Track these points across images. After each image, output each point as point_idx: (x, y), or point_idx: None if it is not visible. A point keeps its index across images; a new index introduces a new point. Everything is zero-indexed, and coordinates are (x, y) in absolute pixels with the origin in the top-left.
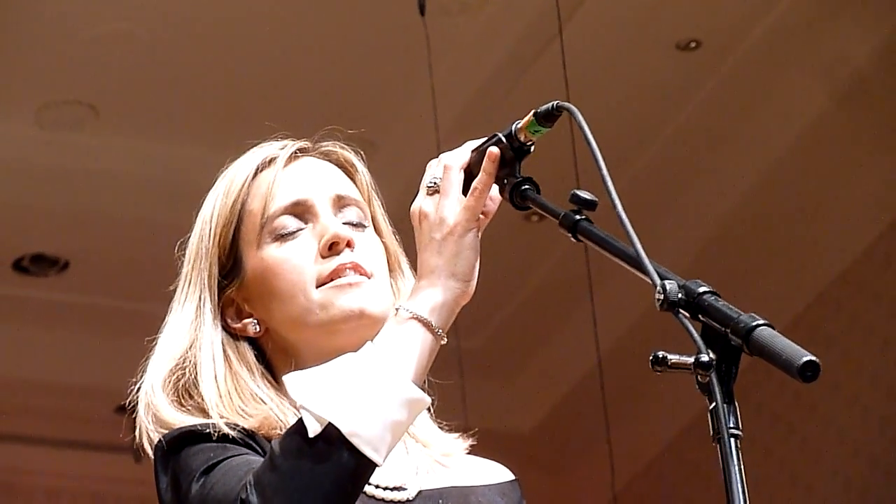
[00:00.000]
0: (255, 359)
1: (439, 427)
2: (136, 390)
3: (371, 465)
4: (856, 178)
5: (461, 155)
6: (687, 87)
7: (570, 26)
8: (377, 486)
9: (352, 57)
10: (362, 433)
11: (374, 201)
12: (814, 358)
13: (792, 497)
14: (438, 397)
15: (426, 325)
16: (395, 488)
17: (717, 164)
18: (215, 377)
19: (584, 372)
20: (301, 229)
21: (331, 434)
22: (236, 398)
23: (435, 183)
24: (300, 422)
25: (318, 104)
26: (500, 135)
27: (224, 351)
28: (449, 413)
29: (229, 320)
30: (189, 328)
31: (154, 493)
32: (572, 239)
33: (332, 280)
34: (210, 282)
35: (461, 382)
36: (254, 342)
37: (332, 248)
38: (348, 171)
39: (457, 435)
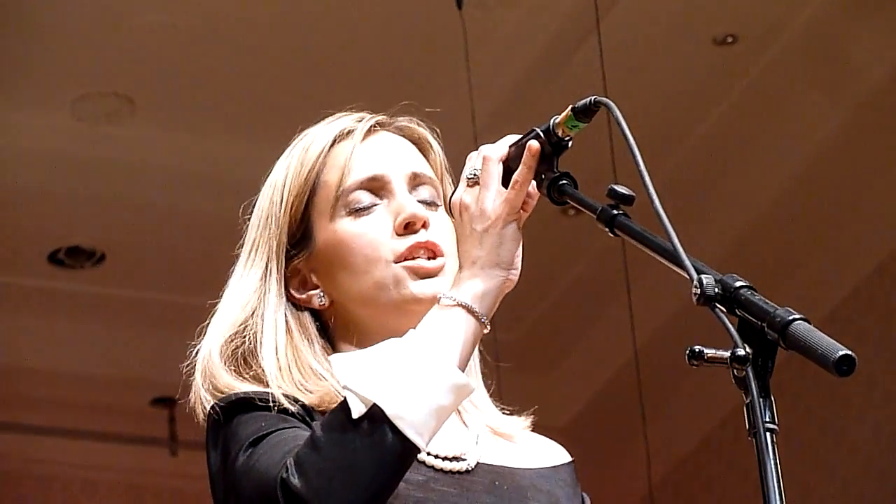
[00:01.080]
0: (317, 332)
1: (500, 410)
2: (193, 353)
3: (414, 450)
4: (893, 172)
5: (500, 148)
6: (724, 81)
7: (607, 20)
8: (436, 456)
9: (389, 50)
10: (407, 416)
11: (446, 180)
12: (849, 352)
13: (827, 491)
14: None
15: (470, 311)
16: (453, 458)
17: (752, 159)
18: (276, 348)
19: (621, 366)
20: (376, 205)
21: (375, 415)
22: (296, 371)
23: (475, 174)
24: (344, 402)
25: (354, 97)
26: (538, 129)
27: (287, 322)
28: None
29: (293, 291)
30: (253, 295)
31: (190, 486)
32: (609, 233)
33: (407, 259)
34: (279, 250)
35: (497, 375)
36: (316, 315)
37: (408, 227)
38: (423, 147)
39: (517, 417)
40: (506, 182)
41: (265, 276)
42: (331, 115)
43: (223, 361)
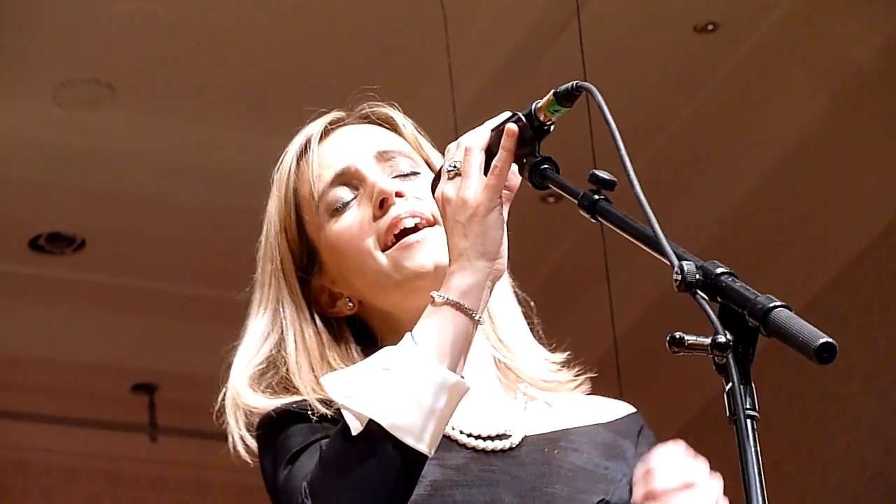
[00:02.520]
0: (352, 337)
1: (552, 364)
2: (220, 398)
3: (419, 456)
4: (873, 161)
5: (480, 135)
6: (704, 69)
7: (587, 6)
8: (477, 437)
9: (369, 36)
10: (402, 424)
11: (425, 146)
12: (830, 340)
13: (808, 479)
14: None
15: (459, 308)
16: (497, 437)
17: (734, 146)
18: (311, 366)
19: (601, 353)
20: (354, 197)
21: (372, 430)
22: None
23: (455, 167)
24: (343, 421)
25: (334, 84)
26: (520, 114)
27: (318, 340)
28: None
29: (325, 307)
30: (272, 328)
31: (169, 472)
32: (591, 219)
33: (395, 237)
34: (288, 279)
35: None
36: (354, 319)
37: (383, 205)
38: (392, 125)
39: (565, 368)
40: (489, 168)
41: (279, 310)
42: (309, 115)
43: (255, 391)
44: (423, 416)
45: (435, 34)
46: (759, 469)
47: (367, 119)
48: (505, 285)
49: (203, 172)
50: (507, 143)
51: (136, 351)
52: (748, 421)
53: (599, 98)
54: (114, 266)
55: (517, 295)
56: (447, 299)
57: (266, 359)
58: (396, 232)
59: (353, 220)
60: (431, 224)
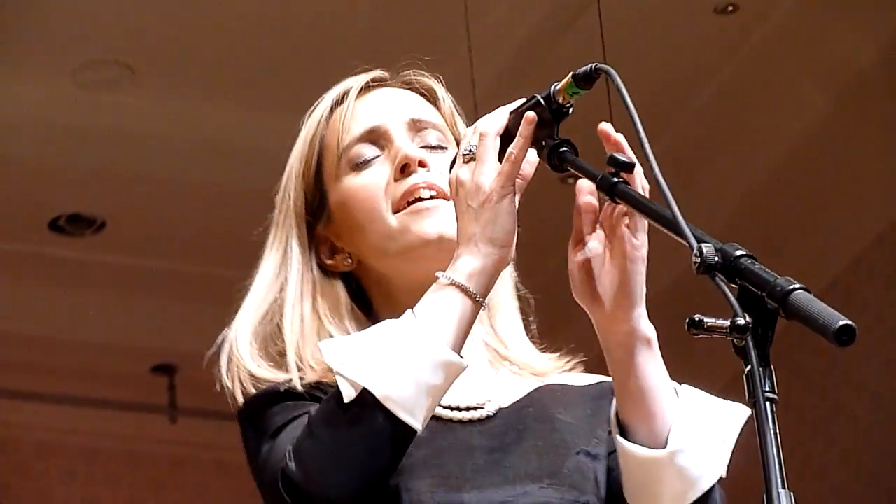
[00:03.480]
0: (346, 295)
1: (540, 350)
2: (220, 342)
3: (408, 430)
4: (894, 141)
5: (497, 120)
6: (724, 50)
7: None
8: (453, 409)
9: (389, 18)
10: (396, 397)
11: (459, 125)
12: (850, 322)
13: (826, 461)
14: None
15: (464, 290)
16: (472, 407)
17: (753, 127)
18: (301, 318)
19: None
20: (377, 156)
21: (365, 399)
22: (311, 343)
23: (471, 151)
24: (336, 388)
25: (354, 66)
26: (539, 96)
27: (313, 289)
28: None
29: (323, 257)
30: (279, 272)
31: (189, 454)
32: (610, 201)
33: (407, 203)
34: (297, 221)
35: None
36: (349, 277)
37: (405, 171)
38: (432, 97)
39: (557, 356)
40: (503, 150)
41: (287, 251)
42: (341, 79)
43: (251, 344)
44: (417, 390)
45: (455, 15)
46: (778, 451)
47: (408, 85)
48: (507, 278)
49: (223, 154)
50: (524, 129)
51: (155, 332)
52: (767, 403)
53: (618, 80)
54: (134, 247)
55: (518, 290)
56: (453, 280)
57: (272, 301)
58: (411, 199)
59: (372, 178)
60: (447, 199)
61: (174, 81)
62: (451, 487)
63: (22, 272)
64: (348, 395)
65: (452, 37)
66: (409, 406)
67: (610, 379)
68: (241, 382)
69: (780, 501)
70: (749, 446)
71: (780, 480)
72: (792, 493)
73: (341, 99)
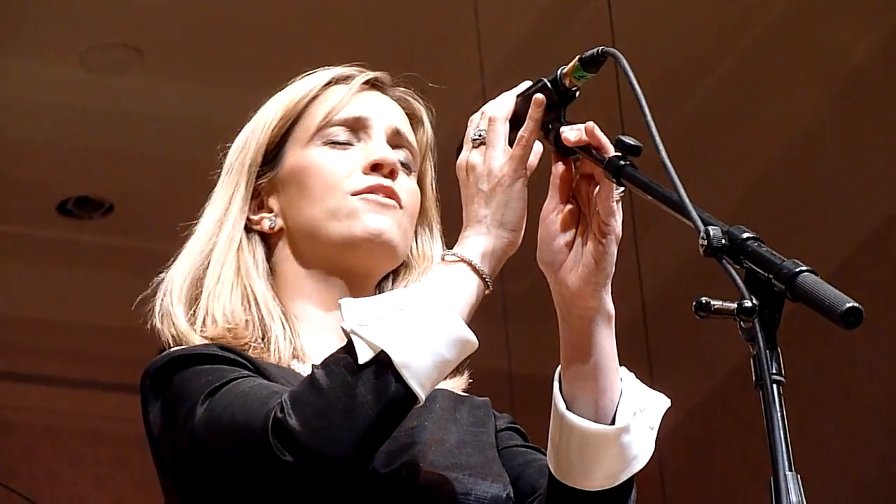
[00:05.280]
0: (263, 256)
1: None
2: (157, 283)
3: (414, 401)
4: None
5: (505, 103)
6: (732, 34)
7: None
8: None
9: (398, 3)
10: (413, 366)
11: (428, 161)
12: (856, 304)
13: (834, 444)
14: (482, 342)
15: (474, 268)
16: None
17: (761, 111)
18: (221, 267)
19: (628, 318)
20: (352, 144)
21: (382, 362)
22: (223, 296)
23: (480, 136)
24: (349, 347)
25: (362, 48)
26: (546, 80)
27: (239, 239)
28: (493, 358)
29: (249, 212)
30: (221, 212)
31: None
32: (616, 184)
33: (364, 194)
34: (250, 170)
35: (505, 327)
36: (265, 239)
37: (375, 169)
38: (414, 122)
39: (458, 378)
40: (513, 136)
41: (233, 196)
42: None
43: (181, 292)
44: (433, 363)
45: (463, 0)
46: (785, 433)
47: (400, 102)
48: None
49: (231, 137)
50: (534, 112)
51: None
52: (774, 386)
53: (625, 64)
54: (141, 230)
55: None
56: (463, 258)
57: (208, 242)
58: (369, 192)
59: (342, 159)
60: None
61: (182, 64)
62: (395, 464)
63: (30, 255)
64: (365, 355)
65: (461, 21)
66: (422, 377)
67: (487, 398)
68: (169, 335)
69: (787, 483)
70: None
71: (787, 463)
72: (799, 476)
73: (339, 80)
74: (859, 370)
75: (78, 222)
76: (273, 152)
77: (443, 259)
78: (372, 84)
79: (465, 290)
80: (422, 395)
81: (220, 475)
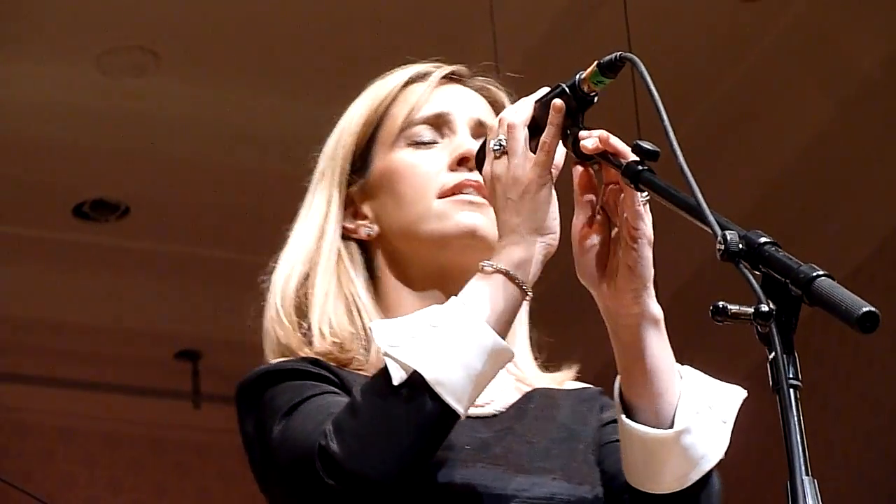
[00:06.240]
0: (363, 264)
1: (544, 368)
2: (266, 277)
3: (453, 416)
4: None
5: (523, 111)
6: (749, 38)
7: None
8: None
9: (413, 5)
10: (447, 382)
11: None
12: (873, 309)
13: (851, 447)
14: None
15: (511, 278)
16: (478, 405)
17: (775, 115)
18: (329, 282)
19: None
20: (436, 142)
21: (415, 382)
22: (330, 310)
23: (501, 145)
24: (384, 369)
25: (377, 51)
26: (564, 85)
27: (338, 249)
28: None
29: (345, 221)
30: (318, 220)
31: (212, 440)
32: (634, 189)
33: (453, 194)
34: (342, 177)
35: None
36: (363, 247)
37: (462, 163)
38: (498, 110)
39: (551, 374)
40: (532, 140)
41: (329, 204)
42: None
43: (284, 299)
44: (467, 377)
45: (479, 3)
46: (801, 437)
47: (481, 92)
48: None
49: (247, 139)
50: (554, 118)
51: (179, 318)
52: (791, 390)
53: (643, 69)
54: (158, 233)
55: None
56: (498, 268)
57: (308, 251)
58: (459, 192)
59: (427, 160)
60: (489, 205)
61: (198, 67)
62: (463, 468)
63: (46, 258)
64: (398, 377)
65: (477, 24)
66: (458, 392)
67: (593, 386)
68: (275, 345)
69: (803, 488)
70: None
71: (803, 467)
72: (815, 480)
73: (419, 78)
74: (876, 373)
75: (94, 225)
76: (361, 158)
77: (481, 270)
78: (450, 78)
79: (500, 300)
80: (460, 409)
81: (285, 493)
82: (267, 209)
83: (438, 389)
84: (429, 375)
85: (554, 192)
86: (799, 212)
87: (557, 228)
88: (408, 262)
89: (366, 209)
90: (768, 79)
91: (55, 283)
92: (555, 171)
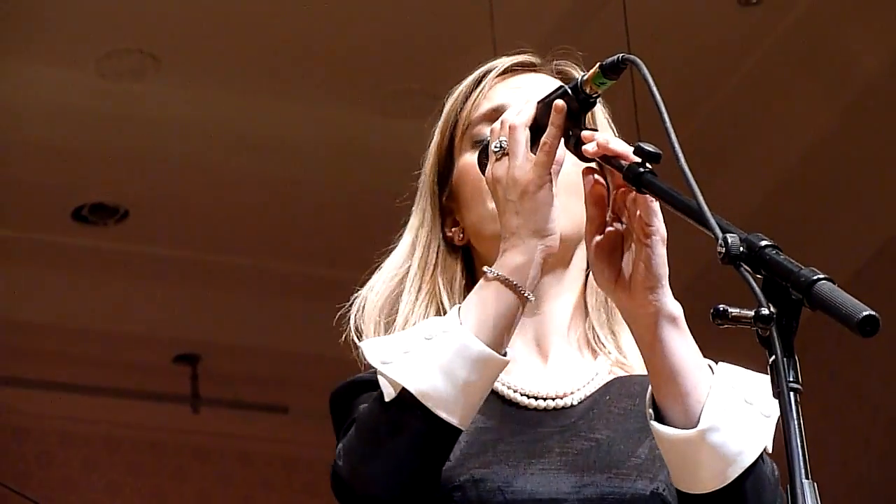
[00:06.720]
0: (461, 270)
1: None
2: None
3: (448, 428)
4: None
5: (524, 112)
6: (749, 41)
7: None
8: (533, 397)
9: (413, 9)
10: (434, 394)
11: (599, 119)
12: (873, 313)
13: (850, 452)
14: None
15: (508, 284)
16: (555, 397)
17: (777, 119)
18: (419, 289)
19: None
20: None
21: (405, 398)
22: (419, 315)
23: (501, 147)
24: (380, 388)
25: (377, 56)
26: (566, 87)
27: (437, 259)
28: None
29: (447, 229)
30: (412, 238)
31: (211, 443)
32: (636, 191)
33: None
34: (431, 190)
35: None
36: (468, 252)
37: None
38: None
39: None
40: (535, 141)
41: (423, 217)
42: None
43: (378, 310)
44: (455, 388)
45: (479, 5)
46: (801, 441)
47: (558, 74)
48: None
49: (247, 143)
50: (555, 119)
51: (178, 322)
52: (791, 393)
53: (645, 71)
54: (157, 237)
55: None
56: (497, 275)
57: (399, 271)
58: None
59: None
60: None
61: (197, 71)
62: (512, 470)
63: (45, 262)
64: (389, 394)
65: (477, 27)
66: (448, 404)
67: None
68: (354, 347)
69: (803, 491)
70: (775, 435)
71: (803, 470)
72: (815, 483)
73: (486, 74)
74: (875, 378)
75: (93, 229)
76: (445, 170)
77: (483, 275)
78: (517, 69)
79: (495, 307)
80: (453, 420)
81: None
82: (266, 213)
83: (427, 402)
84: (415, 389)
85: (554, 192)
86: (800, 216)
87: (557, 230)
88: (488, 261)
89: (458, 216)
90: (768, 83)
91: (54, 286)
92: (555, 172)
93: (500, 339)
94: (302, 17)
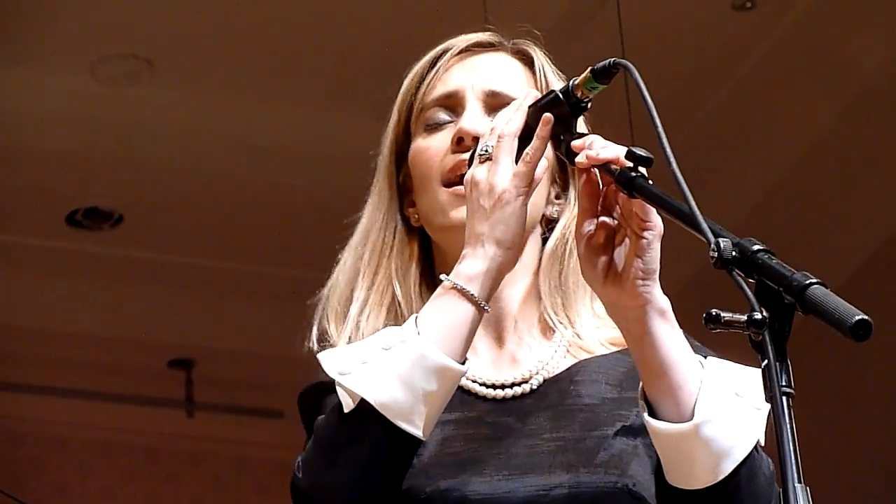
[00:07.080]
0: (419, 251)
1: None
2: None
3: (408, 438)
4: None
5: (516, 119)
6: (742, 46)
7: None
8: (494, 386)
9: (406, 13)
10: (393, 405)
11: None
12: (866, 317)
13: (843, 457)
14: None
15: (465, 295)
16: (516, 384)
17: (772, 123)
18: (372, 277)
19: None
20: (449, 122)
21: (363, 409)
22: (373, 308)
23: (487, 151)
24: (338, 399)
25: (371, 58)
26: (557, 91)
27: (392, 240)
28: None
29: (406, 208)
30: (366, 226)
31: (206, 448)
32: (627, 195)
33: (458, 177)
34: (388, 170)
35: None
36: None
37: (460, 143)
38: (535, 70)
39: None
40: (523, 146)
41: (378, 200)
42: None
43: (338, 298)
44: (413, 398)
45: (473, 10)
46: (794, 445)
47: (517, 55)
48: None
49: (241, 148)
50: (541, 131)
51: (173, 327)
52: (784, 398)
53: (637, 75)
54: (151, 241)
55: None
56: (454, 284)
57: (364, 245)
58: (459, 174)
59: (436, 143)
60: None
61: (192, 76)
62: (479, 478)
63: (39, 266)
64: (347, 405)
65: (471, 31)
66: (407, 414)
67: None
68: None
69: (796, 495)
70: (768, 439)
71: (796, 474)
72: (808, 488)
73: (441, 55)
74: (868, 382)
75: (87, 233)
76: (401, 150)
77: (440, 284)
78: (471, 50)
79: (453, 317)
80: (413, 430)
81: None
82: (262, 219)
83: (386, 413)
84: (374, 400)
85: (526, 207)
86: (793, 220)
87: (519, 243)
88: (442, 246)
89: (414, 197)
90: (763, 87)
91: (48, 291)
92: (534, 185)
93: (458, 348)
94: (296, 22)
